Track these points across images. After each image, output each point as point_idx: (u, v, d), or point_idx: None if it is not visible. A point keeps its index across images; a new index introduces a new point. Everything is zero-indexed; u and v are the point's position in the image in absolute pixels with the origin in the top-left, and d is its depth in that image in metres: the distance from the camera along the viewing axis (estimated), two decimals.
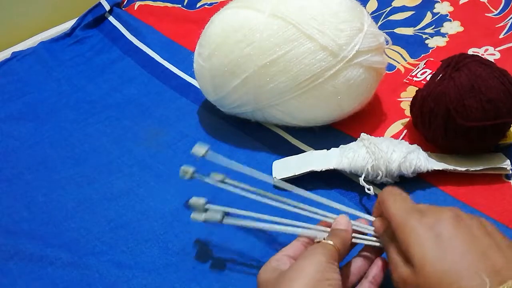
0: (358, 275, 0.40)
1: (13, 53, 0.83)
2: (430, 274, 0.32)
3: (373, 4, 0.80)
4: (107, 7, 0.89)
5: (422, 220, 0.34)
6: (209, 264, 0.47)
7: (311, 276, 0.34)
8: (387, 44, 0.56)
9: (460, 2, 0.77)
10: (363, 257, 0.41)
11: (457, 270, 0.31)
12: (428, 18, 0.75)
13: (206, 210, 0.44)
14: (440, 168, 0.49)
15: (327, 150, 0.54)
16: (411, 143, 0.52)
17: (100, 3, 0.89)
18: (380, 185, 0.50)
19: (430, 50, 0.69)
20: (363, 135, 0.52)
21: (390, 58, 0.68)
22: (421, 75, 0.56)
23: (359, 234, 0.41)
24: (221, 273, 0.46)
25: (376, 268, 0.40)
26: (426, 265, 0.32)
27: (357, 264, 0.40)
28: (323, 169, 0.51)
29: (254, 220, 0.42)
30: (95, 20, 0.88)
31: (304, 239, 0.41)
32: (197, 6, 0.89)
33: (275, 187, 0.53)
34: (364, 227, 0.41)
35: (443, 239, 0.33)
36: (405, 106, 0.60)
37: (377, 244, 0.40)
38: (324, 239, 0.39)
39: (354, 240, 0.40)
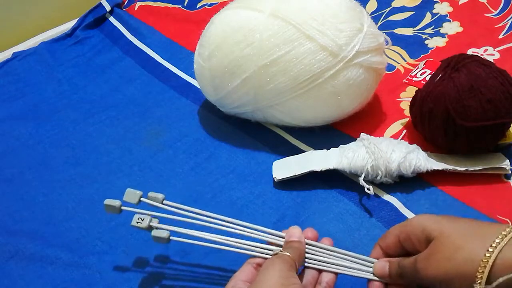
0: (313, 282, 0.40)
1: (14, 53, 0.84)
2: None
3: (372, 5, 0.80)
4: (107, 7, 0.89)
5: None
6: (209, 264, 0.47)
7: (275, 281, 0.35)
8: (386, 45, 0.56)
9: (460, 3, 0.77)
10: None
11: None
12: (427, 18, 0.75)
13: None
14: (440, 168, 0.49)
15: (327, 150, 0.54)
16: (410, 143, 0.52)
17: (100, 3, 0.89)
18: (380, 185, 0.51)
19: (430, 50, 0.69)
20: (362, 135, 0.52)
21: (390, 58, 0.68)
22: (420, 75, 0.56)
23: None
24: (221, 273, 0.46)
25: (328, 273, 0.40)
26: None
27: (310, 273, 0.40)
28: (323, 169, 0.51)
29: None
30: (95, 20, 0.88)
31: (254, 261, 0.40)
32: (198, 6, 0.89)
33: (275, 186, 0.53)
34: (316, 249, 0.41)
35: None
36: (405, 106, 0.60)
37: (334, 271, 0.40)
38: (280, 251, 0.39)
39: (307, 265, 0.40)
